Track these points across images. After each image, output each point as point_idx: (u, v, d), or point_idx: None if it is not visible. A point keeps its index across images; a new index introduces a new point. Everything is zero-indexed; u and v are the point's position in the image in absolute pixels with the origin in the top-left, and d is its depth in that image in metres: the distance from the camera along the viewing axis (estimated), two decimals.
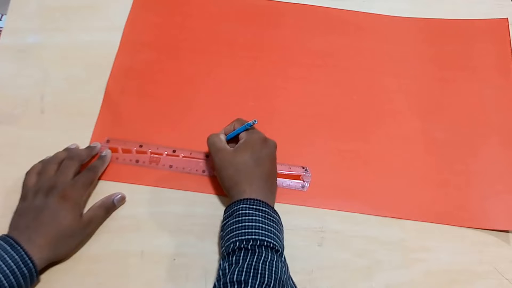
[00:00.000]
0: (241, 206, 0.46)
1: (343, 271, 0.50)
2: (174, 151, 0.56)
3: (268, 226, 0.45)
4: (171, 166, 0.55)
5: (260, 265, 0.42)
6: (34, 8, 0.65)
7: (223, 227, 0.47)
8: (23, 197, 0.50)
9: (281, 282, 0.41)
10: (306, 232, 0.52)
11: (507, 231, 0.53)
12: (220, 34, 0.64)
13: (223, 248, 0.45)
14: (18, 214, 0.48)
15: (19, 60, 0.61)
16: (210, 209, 0.53)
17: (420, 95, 0.61)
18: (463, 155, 0.58)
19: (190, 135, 0.57)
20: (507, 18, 0.66)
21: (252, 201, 0.46)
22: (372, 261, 0.51)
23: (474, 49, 0.65)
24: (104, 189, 0.53)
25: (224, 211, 0.48)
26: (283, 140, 0.55)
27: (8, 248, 0.43)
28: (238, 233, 0.44)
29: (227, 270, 0.42)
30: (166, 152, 0.56)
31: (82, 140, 0.56)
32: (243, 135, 0.52)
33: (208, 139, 0.52)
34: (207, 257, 0.50)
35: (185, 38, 0.63)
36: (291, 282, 0.44)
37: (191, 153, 0.56)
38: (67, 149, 0.54)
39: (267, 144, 0.51)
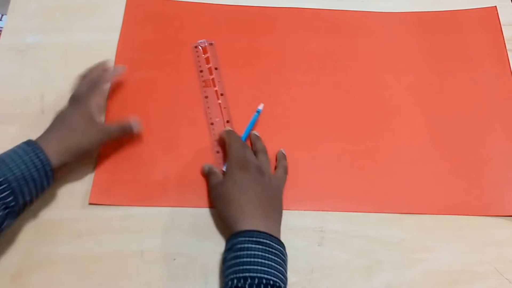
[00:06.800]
0: (239, 239, 0.44)
1: (343, 271, 0.50)
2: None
3: (268, 260, 0.43)
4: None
5: None
6: (34, 8, 0.65)
7: (223, 261, 0.46)
8: None
9: None
10: (306, 232, 0.52)
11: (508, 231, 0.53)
12: (215, 44, 0.63)
13: (224, 284, 0.44)
14: None
15: (19, 60, 0.61)
16: (210, 208, 0.53)
17: (420, 89, 0.62)
18: (469, 144, 0.58)
19: (190, 144, 0.57)
20: (496, 6, 0.67)
21: (251, 233, 0.44)
22: (372, 261, 0.51)
23: (468, 38, 0.65)
24: None
25: (225, 244, 0.46)
26: (288, 145, 0.56)
27: (22, 145, 0.47)
28: (237, 270, 0.43)
29: None
30: None
31: None
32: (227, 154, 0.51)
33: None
34: (207, 257, 0.50)
35: (180, 52, 0.62)
36: None
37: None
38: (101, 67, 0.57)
39: (247, 170, 0.49)
